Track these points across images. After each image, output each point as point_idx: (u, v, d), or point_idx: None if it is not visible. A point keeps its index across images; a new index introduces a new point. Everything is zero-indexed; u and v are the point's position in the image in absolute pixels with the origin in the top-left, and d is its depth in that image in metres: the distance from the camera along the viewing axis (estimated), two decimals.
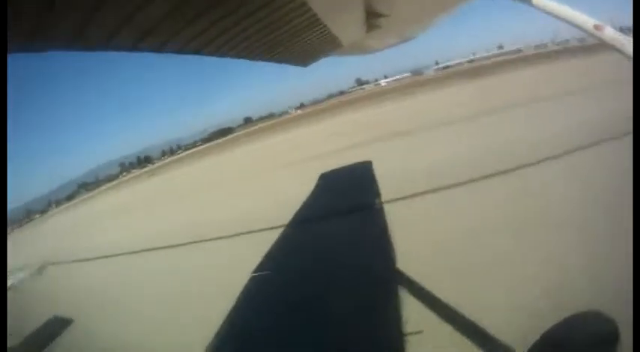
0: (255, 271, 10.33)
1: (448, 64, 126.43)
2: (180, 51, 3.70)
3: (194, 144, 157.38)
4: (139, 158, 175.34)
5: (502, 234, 8.01)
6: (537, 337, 3.54)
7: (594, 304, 3.80)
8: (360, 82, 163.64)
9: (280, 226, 13.45)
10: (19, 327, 11.84)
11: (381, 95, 74.39)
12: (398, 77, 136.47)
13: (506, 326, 5.16)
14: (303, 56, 6.39)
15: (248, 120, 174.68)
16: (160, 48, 3.42)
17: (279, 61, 5.81)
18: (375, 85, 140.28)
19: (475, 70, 72.56)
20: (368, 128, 32.68)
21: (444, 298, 6.32)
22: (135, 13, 2.80)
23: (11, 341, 10.93)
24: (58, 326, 11.55)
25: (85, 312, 12.06)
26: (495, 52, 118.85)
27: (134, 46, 3.16)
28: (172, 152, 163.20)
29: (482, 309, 5.71)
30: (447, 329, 5.64)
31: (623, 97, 3.53)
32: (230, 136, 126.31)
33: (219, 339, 7.51)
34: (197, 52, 3.90)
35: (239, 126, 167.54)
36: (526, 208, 8.94)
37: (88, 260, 20.43)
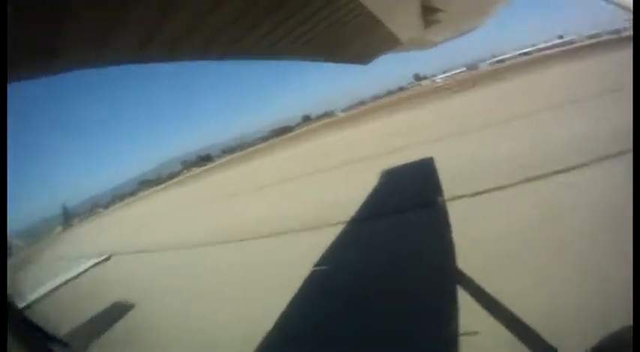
0: (316, 265, 10.48)
1: (502, 57, 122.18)
2: (245, 56, 3.74)
3: (253, 143, 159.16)
4: (199, 156, 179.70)
5: (561, 234, 7.76)
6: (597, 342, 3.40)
7: None
8: (417, 78, 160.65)
9: (340, 223, 13.53)
10: (83, 312, 12.47)
11: (438, 92, 72.79)
12: (451, 73, 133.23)
13: (565, 331, 5.03)
14: (363, 55, 6.39)
15: (307, 119, 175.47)
16: (224, 55, 3.48)
17: (340, 60, 5.82)
18: (432, 81, 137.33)
19: (530, 62, 69.63)
20: (424, 126, 32.28)
21: (501, 299, 6.20)
22: (199, 21, 2.86)
23: (72, 325, 11.54)
24: (117, 312, 12.24)
25: (144, 301, 12.71)
26: (551, 43, 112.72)
27: (200, 55, 3.23)
28: (232, 151, 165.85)
29: (541, 313, 5.58)
30: (503, 332, 5.52)
31: None
32: (289, 135, 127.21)
33: (277, 332, 7.66)
34: (262, 56, 3.94)
35: (297, 124, 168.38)
36: (586, 207, 8.61)
37: (149, 252, 21.37)
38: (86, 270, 21.08)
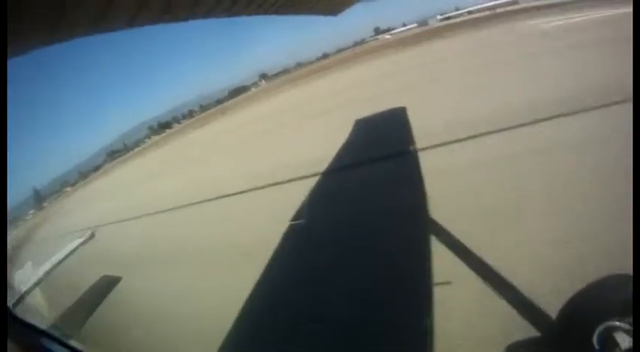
0: (292, 220, 10.48)
1: (449, 14, 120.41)
2: (208, 15, 3.42)
3: (219, 102, 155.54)
4: (160, 123, 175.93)
5: (535, 185, 7.71)
6: (568, 292, 3.36)
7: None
8: (377, 31, 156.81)
9: (314, 176, 13.53)
10: (75, 292, 12.15)
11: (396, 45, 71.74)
12: (405, 28, 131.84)
13: (535, 279, 5.09)
14: (333, 5, 6.03)
15: (264, 76, 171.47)
16: (186, 16, 3.17)
17: (310, 12, 5.49)
18: (387, 35, 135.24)
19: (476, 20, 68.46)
20: (386, 79, 31.93)
21: (474, 248, 6.24)
22: None
23: (65, 307, 11.22)
24: (106, 285, 11.89)
25: (133, 270, 12.51)
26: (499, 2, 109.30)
27: (158, 19, 2.92)
28: (191, 115, 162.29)
29: (510, 261, 5.64)
30: (475, 280, 5.58)
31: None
32: (248, 93, 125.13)
33: (260, 287, 7.69)
34: (226, 14, 3.61)
35: (253, 83, 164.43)
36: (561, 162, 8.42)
37: (130, 220, 21.45)
38: (73, 251, 20.59)
